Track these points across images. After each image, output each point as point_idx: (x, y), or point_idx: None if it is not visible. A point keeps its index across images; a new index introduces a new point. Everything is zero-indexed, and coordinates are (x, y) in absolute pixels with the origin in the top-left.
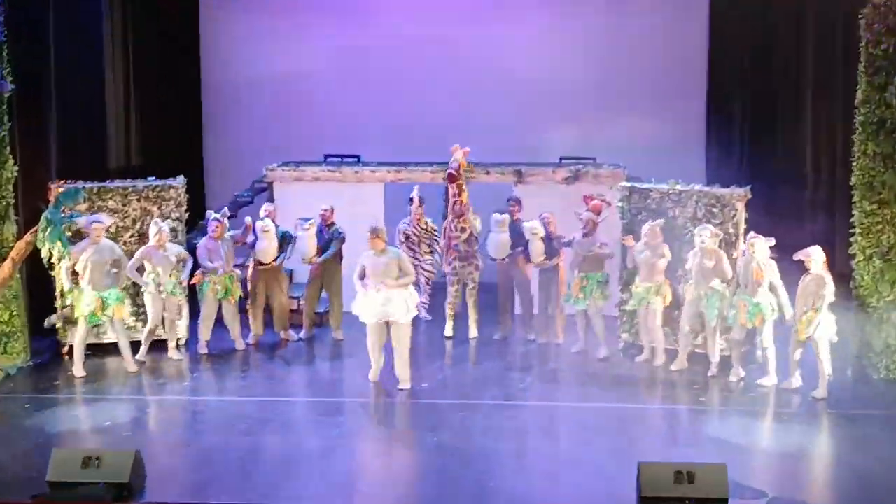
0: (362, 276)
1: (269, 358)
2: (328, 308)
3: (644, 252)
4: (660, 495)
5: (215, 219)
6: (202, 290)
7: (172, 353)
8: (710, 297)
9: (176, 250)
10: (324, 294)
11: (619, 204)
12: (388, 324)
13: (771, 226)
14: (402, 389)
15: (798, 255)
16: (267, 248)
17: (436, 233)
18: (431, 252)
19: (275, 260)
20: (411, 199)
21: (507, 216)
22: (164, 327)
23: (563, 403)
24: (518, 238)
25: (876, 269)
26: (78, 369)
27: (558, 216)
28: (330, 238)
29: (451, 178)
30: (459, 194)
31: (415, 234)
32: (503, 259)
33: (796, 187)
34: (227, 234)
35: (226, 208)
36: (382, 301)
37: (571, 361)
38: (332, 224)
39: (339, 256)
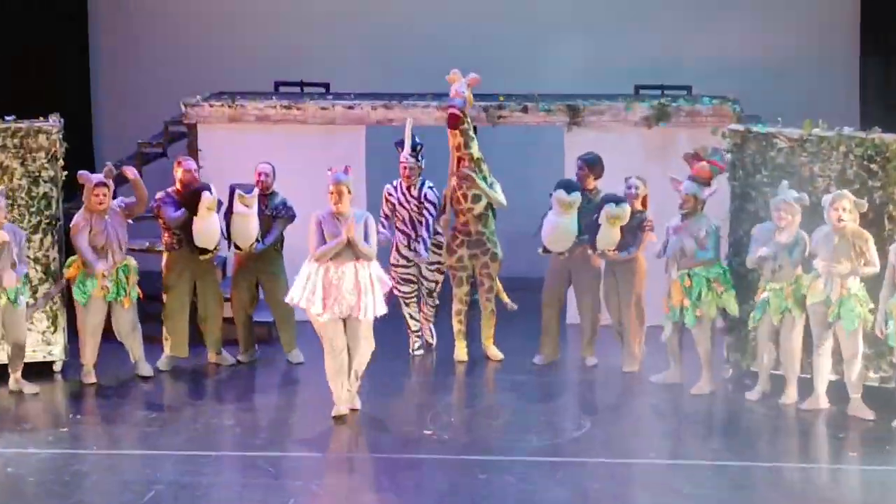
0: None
1: (190, 391)
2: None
3: (776, 240)
4: None
5: (99, 184)
6: (81, 291)
7: (15, 384)
8: (844, 301)
9: (13, 230)
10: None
11: (727, 153)
12: (345, 320)
13: None
14: (341, 415)
15: None
16: (207, 226)
17: (428, 205)
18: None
19: (217, 245)
20: (399, 144)
21: (577, 197)
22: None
23: (642, 460)
24: (586, 215)
25: None
26: None
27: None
28: (273, 214)
29: (453, 121)
30: (465, 145)
31: (403, 205)
32: (562, 254)
33: None
34: (115, 204)
35: (110, 165)
36: (344, 287)
37: (654, 397)
38: (273, 193)
39: (280, 242)
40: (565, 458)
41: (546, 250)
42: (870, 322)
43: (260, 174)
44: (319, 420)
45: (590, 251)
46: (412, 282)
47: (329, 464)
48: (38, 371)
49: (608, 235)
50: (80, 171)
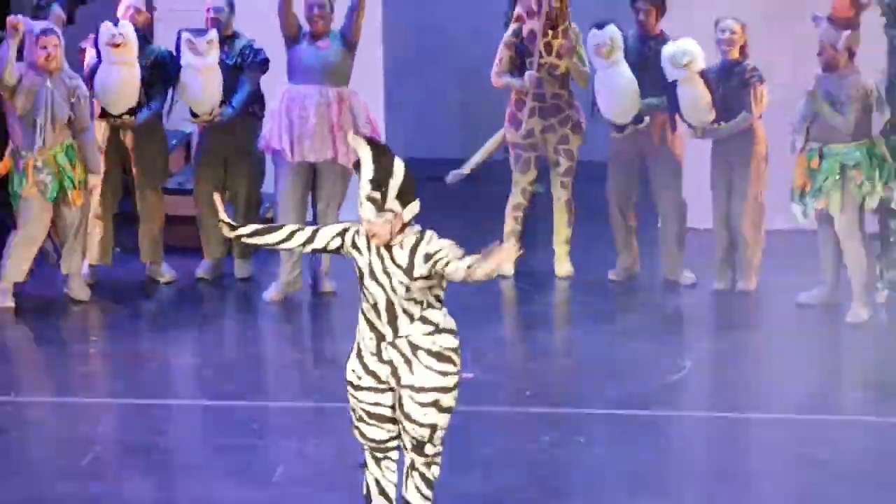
0: None
1: (136, 318)
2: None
3: None
4: None
5: (44, 32)
6: (13, 188)
7: None
8: None
9: None
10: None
11: None
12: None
13: None
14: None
15: None
16: (119, 83)
17: None
18: None
19: (134, 110)
20: None
21: (613, 32)
22: None
23: (762, 414)
24: (650, 78)
25: None
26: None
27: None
28: (236, 64)
29: None
30: None
31: None
32: (621, 129)
33: None
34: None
35: (58, 9)
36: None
37: (781, 325)
38: (235, 35)
39: (257, 103)
40: (656, 412)
41: (617, 126)
42: None
43: (209, 9)
44: (317, 360)
45: (673, 129)
46: None
47: (329, 417)
48: None
49: (693, 99)
50: (12, 17)
